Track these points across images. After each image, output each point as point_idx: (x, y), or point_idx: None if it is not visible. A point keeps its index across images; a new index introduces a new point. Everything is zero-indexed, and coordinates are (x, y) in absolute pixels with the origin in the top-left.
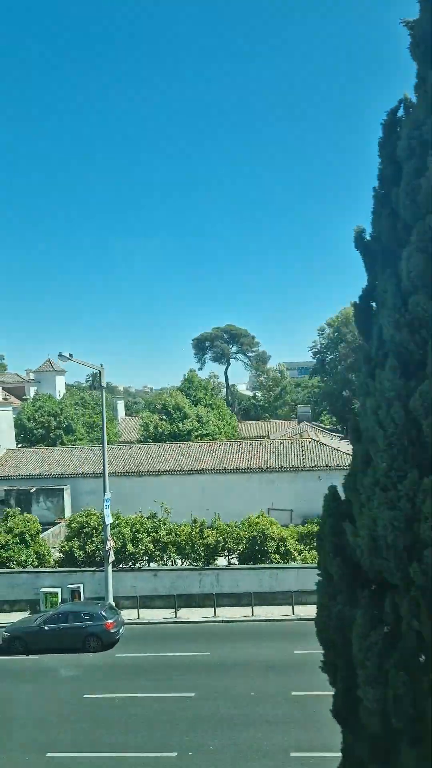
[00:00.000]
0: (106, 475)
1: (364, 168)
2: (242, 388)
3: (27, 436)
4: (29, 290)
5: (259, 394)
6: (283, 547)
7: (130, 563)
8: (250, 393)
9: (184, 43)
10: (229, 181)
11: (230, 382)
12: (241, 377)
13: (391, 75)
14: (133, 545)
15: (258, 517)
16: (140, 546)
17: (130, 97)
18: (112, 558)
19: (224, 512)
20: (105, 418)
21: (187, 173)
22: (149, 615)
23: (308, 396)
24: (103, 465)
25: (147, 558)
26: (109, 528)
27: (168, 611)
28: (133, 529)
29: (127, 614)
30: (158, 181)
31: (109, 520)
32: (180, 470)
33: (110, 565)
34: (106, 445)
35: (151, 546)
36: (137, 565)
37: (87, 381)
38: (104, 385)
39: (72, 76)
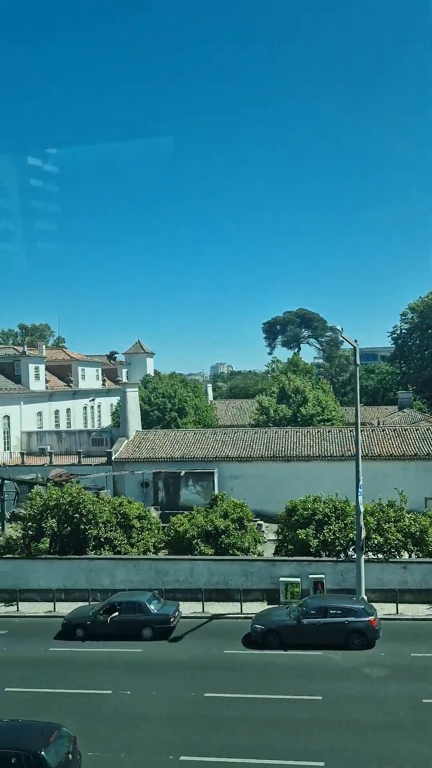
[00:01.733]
0: (359, 459)
1: None
2: None
3: (142, 418)
4: (98, 276)
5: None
6: None
7: (378, 554)
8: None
9: None
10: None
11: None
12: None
13: None
14: (379, 535)
15: None
16: (388, 536)
17: None
18: (364, 548)
19: (386, 501)
20: (359, 396)
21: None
22: (401, 610)
23: (381, 382)
24: (356, 449)
25: (393, 549)
26: (361, 516)
27: (424, 606)
28: (376, 518)
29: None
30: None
31: (362, 507)
32: (330, 456)
33: (363, 555)
34: (359, 428)
35: (399, 536)
36: (383, 556)
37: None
38: (358, 363)
39: None
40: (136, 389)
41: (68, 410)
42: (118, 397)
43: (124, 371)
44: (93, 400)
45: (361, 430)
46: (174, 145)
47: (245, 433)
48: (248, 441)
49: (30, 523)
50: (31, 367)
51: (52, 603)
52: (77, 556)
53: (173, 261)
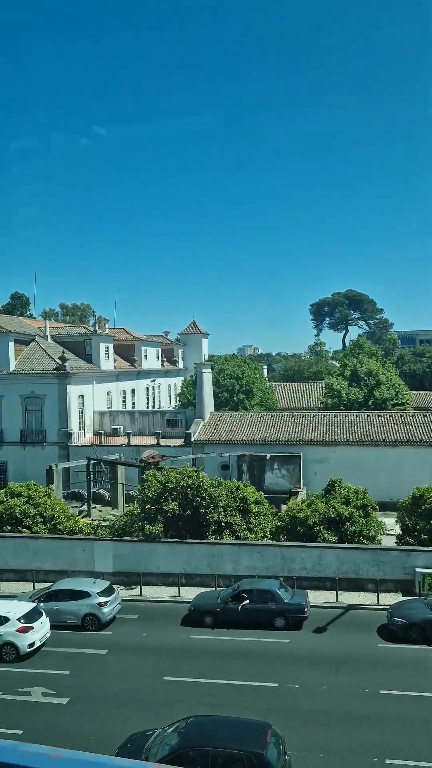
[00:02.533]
0: None
1: None
2: None
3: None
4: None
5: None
6: None
7: None
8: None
9: None
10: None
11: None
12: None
13: None
14: None
15: None
16: None
17: None
18: None
19: None
20: None
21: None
22: None
23: (430, 366)
24: None
25: None
26: None
27: None
28: None
29: None
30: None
31: None
32: (420, 441)
33: None
34: None
35: None
36: None
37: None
38: None
39: None
40: (210, 369)
41: (133, 390)
42: (177, 378)
43: (180, 351)
44: (154, 380)
45: None
46: (226, 121)
47: (324, 417)
48: (328, 424)
49: (149, 506)
50: (102, 346)
51: (173, 587)
52: (199, 540)
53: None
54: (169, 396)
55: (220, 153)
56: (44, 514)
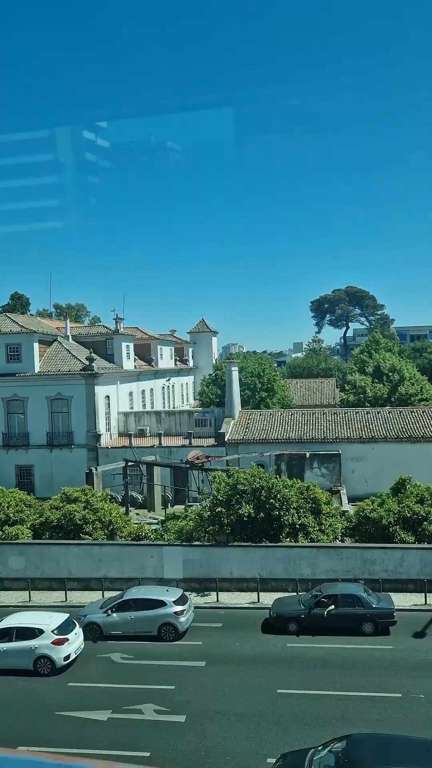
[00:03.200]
0: None
1: None
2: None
3: None
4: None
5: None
6: None
7: None
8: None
9: None
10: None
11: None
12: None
13: None
14: None
15: None
16: None
17: None
18: None
19: None
20: None
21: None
22: None
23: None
24: None
25: None
26: None
27: None
28: None
29: None
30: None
31: None
32: None
33: None
34: None
35: None
36: None
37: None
38: None
39: None
40: (237, 367)
41: (151, 390)
42: (188, 377)
43: (190, 350)
44: (169, 380)
45: None
46: (234, 117)
47: (357, 414)
48: (361, 421)
49: (220, 509)
50: (123, 345)
51: (248, 593)
52: (274, 544)
53: (202, 236)
54: (183, 395)
55: (220, 153)
56: (103, 520)
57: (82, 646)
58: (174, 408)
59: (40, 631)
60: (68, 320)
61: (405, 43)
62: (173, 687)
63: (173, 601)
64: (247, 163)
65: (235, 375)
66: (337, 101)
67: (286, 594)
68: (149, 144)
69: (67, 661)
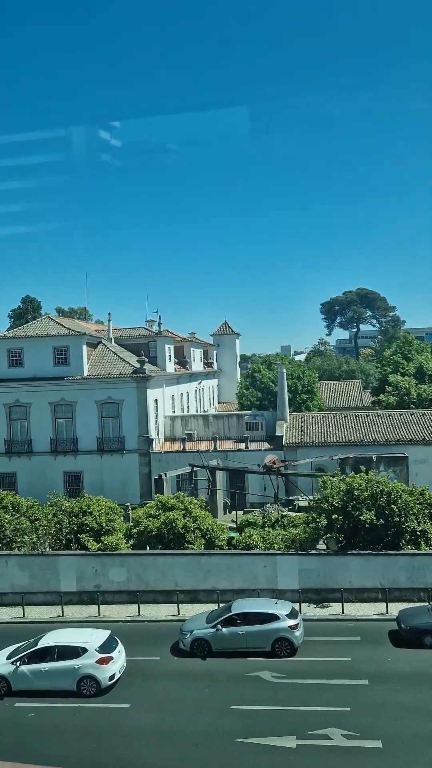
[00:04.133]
0: None
1: None
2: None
3: (273, 400)
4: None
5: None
6: None
7: None
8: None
9: None
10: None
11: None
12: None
13: None
14: None
15: None
16: None
17: None
18: None
19: None
20: None
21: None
22: None
23: None
24: None
25: None
26: None
27: None
28: None
29: None
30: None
31: None
32: None
33: None
34: None
35: None
36: None
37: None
38: None
39: None
40: (284, 369)
41: (187, 393)
42: (213, 380)
43: (215, 353)
44: (200, 382)
45: None
46: (250, 117)
47: (412, 416)
48: (419, 423)
49: (336, 516)
50: (166, 348)
51: (369, 603)
52: (396, 552)
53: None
54: (210, 398)
55: (220, 153)
56: (202, 528)
57: (125, 665)
58: (204, 411)
59: (84, 650)
60: (110, 322)
61: (405, 43)
62: (348, 708)
63: (286, 615)
64: (247, 163)
65: (284, 376)
66: (337, 101)
67: (412, 604)
68: (149, 144)
69: (112, 681)
